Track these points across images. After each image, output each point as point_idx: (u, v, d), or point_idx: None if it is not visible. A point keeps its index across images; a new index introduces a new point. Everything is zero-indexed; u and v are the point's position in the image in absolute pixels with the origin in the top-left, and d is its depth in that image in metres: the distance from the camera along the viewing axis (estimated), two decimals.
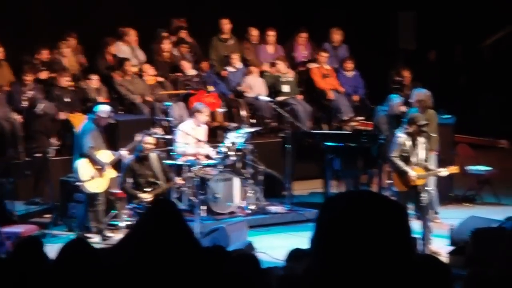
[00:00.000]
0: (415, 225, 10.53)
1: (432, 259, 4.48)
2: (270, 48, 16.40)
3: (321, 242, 1.75)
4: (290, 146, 12.91)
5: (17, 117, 13.19)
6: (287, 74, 15.73)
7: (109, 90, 14.46)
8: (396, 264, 1.71)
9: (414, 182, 10.48)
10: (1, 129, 13.04)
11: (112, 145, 12.22)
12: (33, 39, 14.71)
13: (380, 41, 17.45)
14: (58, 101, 13.49)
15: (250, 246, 10.04)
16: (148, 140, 11.34)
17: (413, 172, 10.45)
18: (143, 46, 15.60)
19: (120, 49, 15.23)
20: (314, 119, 15.75)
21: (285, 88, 15.59)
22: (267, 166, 13.04)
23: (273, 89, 15.56)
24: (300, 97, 15.72)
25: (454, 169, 11.05)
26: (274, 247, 10.07)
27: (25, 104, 13.26)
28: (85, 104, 13.78)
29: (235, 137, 12.55)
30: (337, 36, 16.70)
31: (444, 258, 9.59)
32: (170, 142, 13.01)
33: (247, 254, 5.24)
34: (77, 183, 11.48)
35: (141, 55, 15.46)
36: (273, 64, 15.93)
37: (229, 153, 12.36)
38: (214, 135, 14.30)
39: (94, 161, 11.41)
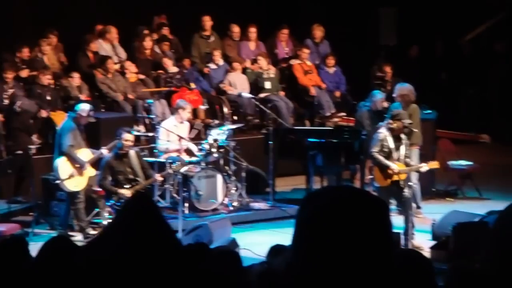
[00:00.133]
0: (398, 220, 10.58)
1: (414, 253, 4.50)
2: (251, 45, 16.40)
3: (301, 237, 1.76)
4: (272, 142, 12.91)
5: None
6: (269, 70, 15.74)
7: (90, 88, 14.42)
8: (377, 259, 1.72)
9: (396, 177, 10.51)
10: None
11: (94, 143, 12.18)
12: (13, 37, 14.65)
13: (361, 37, 17.49)
14: (40, 99, 13.44)
15: (233, 243, 10.04)
16: (127, 137, 11.30)
17: (395, 166, 10.48)
18: (124, 43, 15.56)
19: (101, 46, 15.19)
20: (296, 116, 15.77)
21: (267, 85, 15.60)
22: (249, 163, 13.04)
23: (255, 86, 15.56)
24: (282, 93, 15.74)
25: (434, 164, 11.09)
26: (257, 244, 10.07)
27: (6, 102, 13.22)
28: (67, 102, 13.73)
29: (218, 134, 12.55)
30: (318, 32, 16.72)
31: (426, 252, 9.63)
32: (152, 140, 12.99)
33: (228, 251, 5.25)
34: (57, 182, 11.45)
35: (122, 53, 15.42)
36: (255, 61, 15.93)
37: (211, 150, 12.36)
38: (197, 132, 14.28)
39: (73, 160, 11.38)
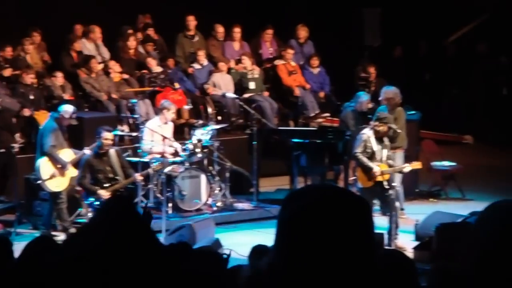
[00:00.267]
0: (381, 221, 10.60)
1: (397, 254, 4.51)
2: (236, 45, 16.40)
3: (283, 237, 1.76)
4: (256, 142, 12.91)
5: None
6: (253, 71, 15.74)
7: (74, 87, 14.38)
8: (359, 259, 1.72)
9: (380, 177, 10.54)
10: None
11: (77, 143, 12.15)
12: None
13: (345, 37, 17.51)
14: (23, 98, 13.39)
15: (217, 243, 10.03)
16: (107, 136, 11.25)
17: (377, 168, 10.51)
18: (108, 43, 15.52)
19: (85, 46, 15.15)
20: (281, 116, 15.78)
21: (252, 85, 15.60)
22: (233, 163, 13.03)
23: (239, 86, 15.56)
24: (266, 93, 15.74)
25: (416, 164, 11.14)
26: (241, 244, 10.05)
27: None
28: (50, 102, 13.69)
29: (202, 134, 12.54)
30: (302, 32, 16.74)
31: (409, 253, 9.66)
32: (136, 140, 12.96)
33: (211, 252, 5.24)
34: (38, 182, 11.41)
35: (106, 53, 15.39)
36: (239, 61, 15.93)
37: (195, 150, 12.34)
38: (181, 132, 14.27)
39: (55, 160, 11.34)
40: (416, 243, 10.53)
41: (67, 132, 11.69)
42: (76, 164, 11.50)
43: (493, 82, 17.97)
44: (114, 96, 14.37)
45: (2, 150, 12.63)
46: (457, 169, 13.80)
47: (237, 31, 16.26)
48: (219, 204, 12.48)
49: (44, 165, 11.33)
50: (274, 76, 16.23)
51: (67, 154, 11.45)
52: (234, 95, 14.74)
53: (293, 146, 12.54)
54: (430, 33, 18.49)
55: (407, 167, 11.02)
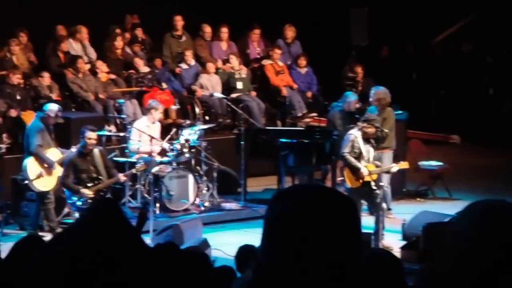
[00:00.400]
0: (368, 221, 10.62)
1: (384, 253, 4.52)
2: (223, 45, 16.39)
3: (270, 237, 1.76)
4: (244, 142, 12.91)
5: None
6: (241, 71, 15.74)
7: (61, 87, 14.34)
8: (346, 259, 1.73)
9: (367, 178, 10.56)
10: None
11: (64, 143, 12.12)
12: None
13: (332, 37, 17.53)
14: (10, 99, 13.34)
15: (204, 243, 10.03)
16: (90, 136, 11.20)
17: (364, 169, 10.53)
18: (96, 43, 15.49)
19: (71, 46, 15.12)
20: (268, 116, 15.79)
21: (239, 85, 15.60)
22: (221, 163, 13.03)
23: (227, 86, 15.56)
24: (253, 93, 15.74)
25: (404, 164, 11.17)
26: (228, 244, 10.06)
27: None
28: (37, 102, 13.65)
29: (189, 134, 12.53)
30: (290, 32, 16.75)
31: (396, 252, 9.67)
32: (123, 140, 12.93)
33: (197, 252, 5.23)
34: (25, 182, 11.37)
35: (92, 53, 15.36)
36: (227, 61, 15.92)
37: (183, 150, 12.33)
38: (168, 132, 14.25)
39: (42, 159, 11.31)
40: (403, 242, 10.55)
41: (54, 131, 11.65)
42: (63, 163, 11.46)
43: (480, 82, 18.03)
44: (101, 96, 14.34)
45: None
46: (444, 169, 13.84)
47: (224, 31, 16.26)
48: (206, 204, 12.48)
49: (31, 165, 11.30)
50: (262, 76, 16.23)
51: (54, 154, 11.42)
52: (222, 95, 14.74)
53: (281, 146, 12.55)
54: (417, 33, 18.54)
55: (395, 167, 11.05)
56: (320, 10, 17.73)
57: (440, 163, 13.88)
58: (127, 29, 16.14)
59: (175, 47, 16.07)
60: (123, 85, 15.02)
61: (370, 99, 12.10)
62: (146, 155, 12.30)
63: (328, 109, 13.57)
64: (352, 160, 10.57)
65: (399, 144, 12.59)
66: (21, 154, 11.91)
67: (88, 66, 14.75)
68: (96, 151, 11.32)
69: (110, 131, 13.58)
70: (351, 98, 12.84)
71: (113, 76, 14.98)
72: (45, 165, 11.31)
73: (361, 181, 10.58)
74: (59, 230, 11.19)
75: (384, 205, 10.84)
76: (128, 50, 15.65)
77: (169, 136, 12.68)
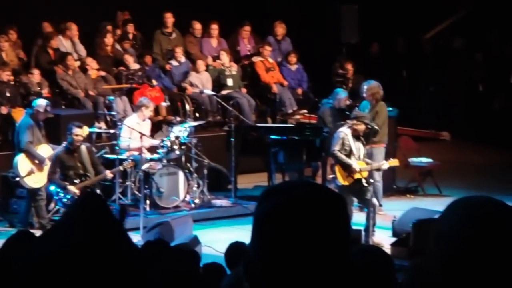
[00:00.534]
0: (359, 217, 10.64)
1: (374, 249, 4.52)
2: (213, 42, 16.38)
3: (259, 233, 1.75)
4: (234, 139, 12.91)
5: None
6: (231, 67, 15.73)
7: (51, 84, 14.30)
8: (335, 256, 1.72)
9: (358, 175, 10.57)
10: None
11: (54, 140, 12.08)
12: None
13: (323, 34, 17.54)
14: (0, 96, 13.32)
15: (195, 240, 10.02)
16: (77, 132, 11.17)
17: (356, 164, 10.54)
18: (87, 39, 15.45)
19: (61, 43, 15.08)
20: (258, 113, 15.79)
21: (229, 82, 15.59)
22: (211, 160, 13.03)
23: (217, 83, 15.54)
24: (244, 90, 15.74)
25: (394, 162, 11.18)
26: (219, 241, 10.06)
27: None
28: (27, 99, 13.61)
29: (179, 131, 12.51)
30: (280, 29, 16.75)
31: (387, 249, 9.68)
32: (113, 137, 12.91)
33: (188, 249, 5.22)
34: (17, 179, 11.35)
35: (82, 50, 15.32)
36: (217, 57, 15.91)
37: (173, 147, 12.32)
38: (159, 129, 14.23)
39: (32, 156, 11.29)
40: (394, 239, 10.57)
41: (44, 128, 11.63)
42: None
43: (470, 79, 18.06)
44: (91, 93, 14.32)
45: None
46: (434, 166, 13.86)
47: (214, 28, 16.24)
48: (197, 201, 12.47)
49: (21, 162, 11.28)
50: (252, 73, 16.23)
51: (45, 150, 11.40)
52: (212, 92, 14.73)
53: (271, 142, 12.55)
54: (407, 29, 18.56)
55: (385, 165, 11.06)
56: (311, 7, 17.73)
57: (430, 160, 13.90)
58: (119, 26, 16.11)
59: (165, 44, 16.05)
60: (113, 82, 15.00)
61: (364, 94, 12.07)
62: (136, 152, 12.28)
63: (319, 106, 13.57)
64: (343, 157, 10.57)
65: (389, 141, 12.61)
66: (11, 151, 11.87)
67: (78, 63, 14.72)
68: (83, 147, 11.29)
69: (100, 128, 13.54)
70: (342, 95, 12.85)
71: (103, 73, 14.95)
72: (36, 162, 11.29)
73: (352, 178, 10.59)
74: (49, 227, 11.17)
75: (375, 201, 10.85)
76: (118, 47, 15.62)
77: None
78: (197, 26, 16.29)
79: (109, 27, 15.54)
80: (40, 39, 15.10)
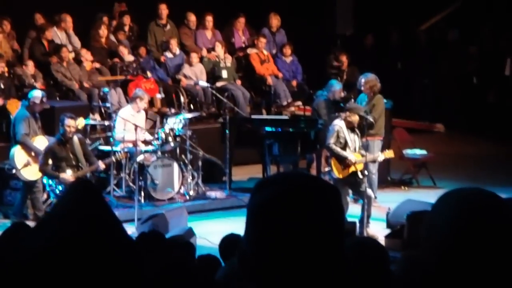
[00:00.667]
0: (354, 209, 10.65)
1: (369, 241, 4.53)
2: (208, 33, 16.35)
3: (253, 224, 1.76)
4: (229, 131, 12.91)
5: None
6: (226, 59, 15.72)
7: (45, 76, 14.28)
8: (329, 247, 1.73)
9: (353, 167, 10.58)
10: None
11: (49, 132, 12.07)
12: None
13: (317, 26, 17.53)
14: None
15: (189, 232, 10.02)
16: (69, 123, 11.15)
17: (352, 156, 10.55)
18: (81, 31, 15.42)
19: (56, 35, 15.05)
20: (253, 105, 15.79)
21: (224, 74, 15.58)
22: (206, 152, 13.03)
23: (212, 75, 15.53)
24: (238, 82, 15.73)
25: (389, 153, 11.20)
26: (213, 233, 10.07)
27: None
28: (21, 90, 13.59)
29: (174, 123, 12.51)
30: (275, 21, 16.73)
31: (381, 241, 9.70)
32: (108, 128, 12.90)
33: (182, 241, 5.23)
34: (13, 171, 11.34)
35: (77, 42, 15.29)
36: (212, 49, 15.89)
37: (168, 139, 12.31)
38: (153, 121, 14.22)
39: (29, 148, 11.28)
40: (388, 231, 10.59)
41: (40, 120, 11.62)
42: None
43: (464, 71, 18.08)
44: (85, 85, 14.30)
45: None
46: (429, 158, 13.88)
47: (209, 20, 16.22)
48: (191, 193, 12.48)
49: (18, 154, 11.27)
50: (247, 65, 16.22)
51: (41, 142, 11.39)
52: (207, 84, 14.72)
53: (266, 134, 12.55)
54: (402, 21, 18.55)
55: (380, 156, 11.09)
56: None
57: (424, 152, 13.92)
58: (115, 17, 16.09)
59: (160, 36, 16.03)
60: (108, 73, 14.98)
61: (361, 87, 12.03)
62: (131, 144, 12.27)
63: (313, 98, 13.58)
64: (338, 150, 10.58)
65: (384, 133, 12.62)
66: (6, 143, 11.85)
67: (72, 55, 14.70)
68: (75, 139, 11.27)
69: (94, 120, 13.53)
70: (336, 86, 12.85)
71: (97, 65, 14.93)
72: (32, 154, 11.28)
73: (348, 170, 10.60)
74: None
75: (371, 193, 10.87)
76: (112, 38, 15.59)
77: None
78: (192, 17, 16.27)
79: (105, 19, 15.51)
80: (33, 30, 15.07)
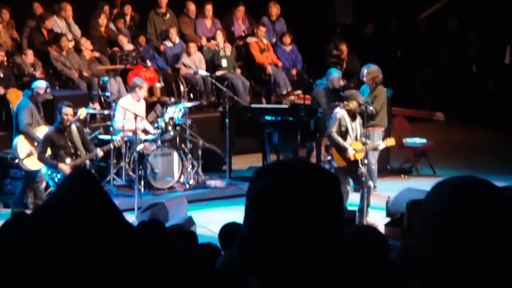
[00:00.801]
0: (354, 198, 10.66)
1: (369, 229, 4.54)
2: (208, 22, 16.33)
3: (252, 212, 1.76)
4: (228, 120, 12.90)
5: None
6: (225, 48, 15.70)
7: (45, 65, 14.27)
8: (327, 235, 1.73)
9: (353, 158, 10.59)
10: None
11: (48, 121, 12.07)
12: None
13: (317, 15, 17.51)
14: None
15: (189, 221, 10.04)
16: (67, 111, 11.13)
17: (351, 149, 10.55)
18: (81, 19, 15.40)
19: (56, 24, 15.03)
20: (253, 93, 15.78)
21: (224, 63, 15.57)
22: (206, 141, 13.03)
23: (211, 64, 15.52)
24: (238, 71, 15.72)
25: (390, 141, 11.21)
26: (213, 222, 10.08)
27: None
28: (21, 79, 13.58)
29: (174, 112, 12.50)
30: (274, 10, 16.71)
31: (381, 229, 9.71)
32: (108, 117, 12.90)
33: (182, 230, 5.23)
34: (16, 161, 11.34)
35: (77, 30, 15.27)
36: (213, 38, 15.88)
37: (168, 128, 12.31)
38: (152, 110, 14.22)
39: (31, 138, 11.28)
40: (388, 219, 10.61)
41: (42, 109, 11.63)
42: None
43: (464, 60, 18.06)
44: (85, 74, 14.29)
45: None
46: (428, 146, 13.88)
47: (209, 9, 16.20)
48: (191, 181, 12.49)
49: (20, 144, 11.27)
50: (246, 54, 16.21)
51: (43, 132, 11.38)
52: (206, 73, 14.71)
53: (265, 123, 12.55)
54: (401, 10, 18.53)
55: (381, 144, 11.10)
56: None
57: (424, 140, 13.92)
58: (116, 6, 16.07)
59: (159, 25, 16.01)
60: (107, 62, 14.97)
61: (364, 78, 12.01)
62: (131, 133, 12.27)
63: (313, 86, 13.57)
64: (340, 140, 10.58)
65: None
66: (6, 132, 11.83)
67: (72, 44, 14.68)
68: (73, 127, 11.25)
69: (94, 109, 13.53)
70: (334, 74, 12.83)
71: (97, 54, 14.91)
72: (35, 144, 11.27)
73: (348, 160, 10.61)
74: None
75: (370, 183, 10.88)
76: (112, 27, 15.57)
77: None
78: (191, 6, 16.25)
79: (106, 8, 15.50)
80: (32, 19, 15.05)
